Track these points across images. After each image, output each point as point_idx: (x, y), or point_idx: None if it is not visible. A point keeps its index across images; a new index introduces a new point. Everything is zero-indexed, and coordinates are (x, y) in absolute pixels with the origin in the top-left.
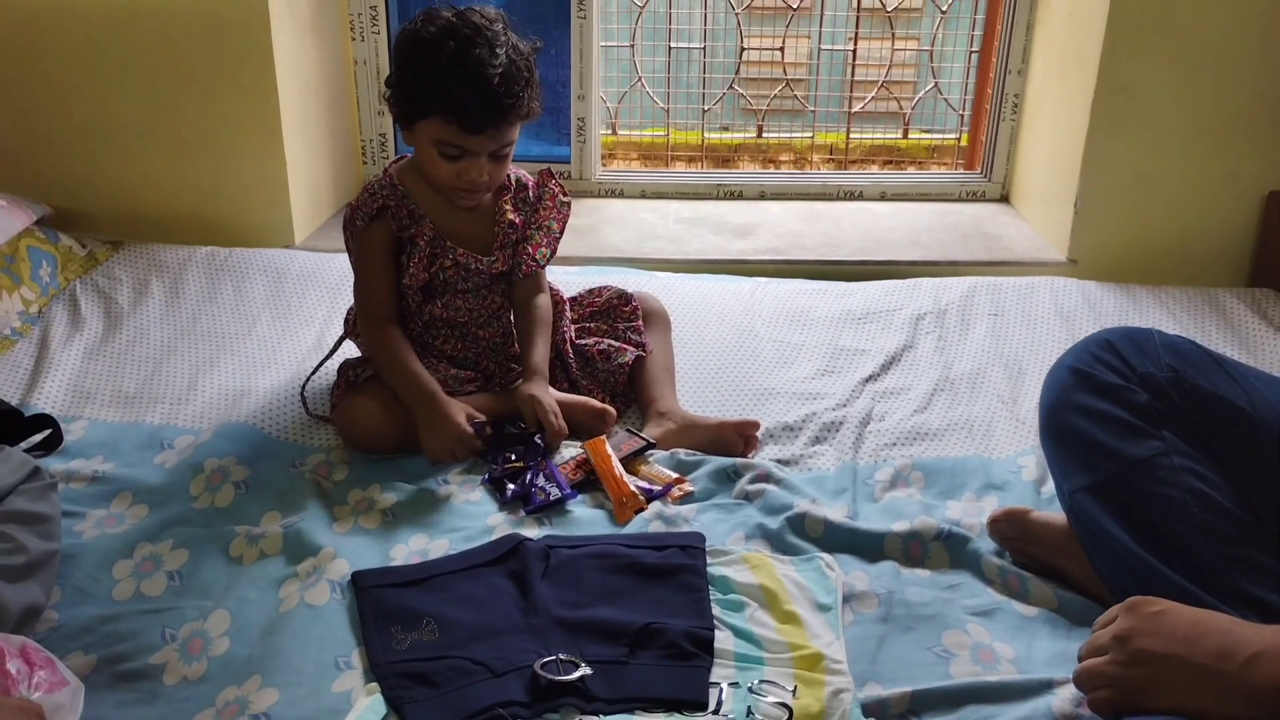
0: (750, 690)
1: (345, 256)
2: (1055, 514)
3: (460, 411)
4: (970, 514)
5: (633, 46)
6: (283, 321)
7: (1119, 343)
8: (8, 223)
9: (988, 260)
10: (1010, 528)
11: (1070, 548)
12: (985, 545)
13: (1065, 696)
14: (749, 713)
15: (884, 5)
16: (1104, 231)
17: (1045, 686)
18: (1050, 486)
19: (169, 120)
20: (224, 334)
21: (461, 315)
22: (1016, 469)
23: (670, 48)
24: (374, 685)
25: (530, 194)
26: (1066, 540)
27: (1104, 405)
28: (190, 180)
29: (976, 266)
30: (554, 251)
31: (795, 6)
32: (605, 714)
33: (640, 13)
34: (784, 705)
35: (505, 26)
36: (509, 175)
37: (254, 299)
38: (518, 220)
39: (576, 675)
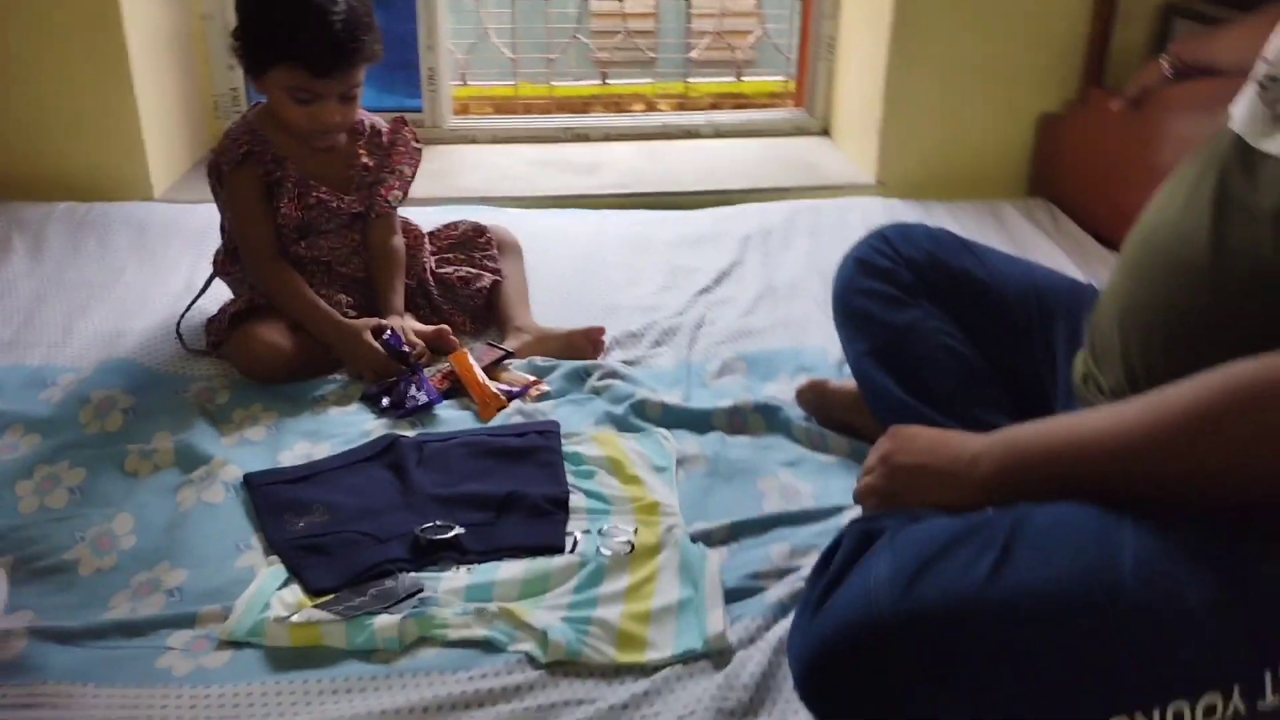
0: (600, 533)
1: (206, 207)
2: (848, 381)
3: (367, 330)
4: (784, 392)
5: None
6: (150, 270)
7: (891, 235)
8: None
9: (808, 185)
10: (813, 396)
11: (859, 407)
12: (795, 413)
13: (850, 515)
14: (598, 551)
15: None
16: (906, 156)
17: (836, 510)
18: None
19: (18, 81)
20: (92, 283)
21: (324, 254)
22: (823, 354)
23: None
24: (274, 558)
25: (384, 139)
26: (856, 401)
27: (877, 285)
28: (45, 139)
29: (798, 191)
30: (405, 194)
31: None
32: (478, 563)
33: None
34: (628, 542)
35: None
36: (364, 121)
37: (118, 250)
38: (371, 164)
39: (452, 534)
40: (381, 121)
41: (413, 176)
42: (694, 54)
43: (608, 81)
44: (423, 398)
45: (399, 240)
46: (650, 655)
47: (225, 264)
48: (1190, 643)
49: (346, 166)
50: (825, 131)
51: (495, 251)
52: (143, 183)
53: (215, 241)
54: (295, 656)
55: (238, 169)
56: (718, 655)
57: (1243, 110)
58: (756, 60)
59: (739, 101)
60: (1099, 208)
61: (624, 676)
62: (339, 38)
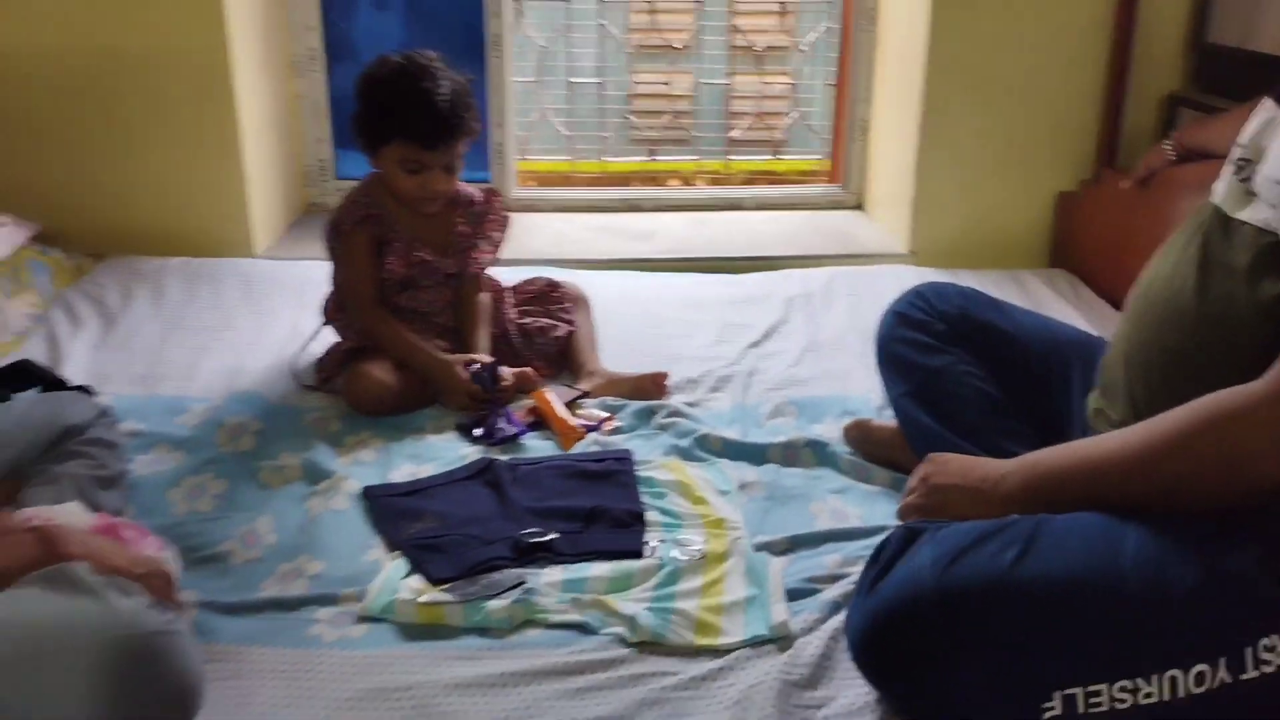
0: (675, 542)
1: (303, 263)
2: (889, 421)
3: (460, 366)
4: (831, 432)
5: (537, 82)
6: (258, 316)
7: (926, 291)
8: (11, 237)
9: (845, 254)
10: (858, 433)
11: (899, 443)
12: (841, 449)
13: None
14: (674, 556)
15: (752, 46)
16: (936, 228)
17: (882, 529)
18: (890, 409)
19: (140, 148)
20: (209, 327)
21: (423, 306)
22: (866, 400)
23: (569, 82)
24: (396, 554)
25: (477, 208)
26: (896, 438)
27: (914, 334)
28: (162, 201)
29: (836, 259)
30: (495, 257)
31: (679, 47)
32: (570, 564)
33: (542, 52)
34: (699, 550)
35: (445, 64)
36: (461, 191)
37: (229, 299)
38: (467, 230)
39: (548, 539)
40: (476, 191)
41: (502, 241)
42: (734, 134)
43: (654, 158)
44: (511, 429)
45: (485, 296)
46: (723, 640)
47: (334, 312)
48: (1181, 622)
49: (446, 232)
50: (859, 206)
51: (569, 304)
52: (245, 242)
53: (313, 293)
54: (422, 630)
55: (356, 229)
56: (781, 640)
57: (1222, 186)
58: (789, 141)
59: (774, 178)
60: (1114, 277)
61: (701, 656)
62: (444, 115)
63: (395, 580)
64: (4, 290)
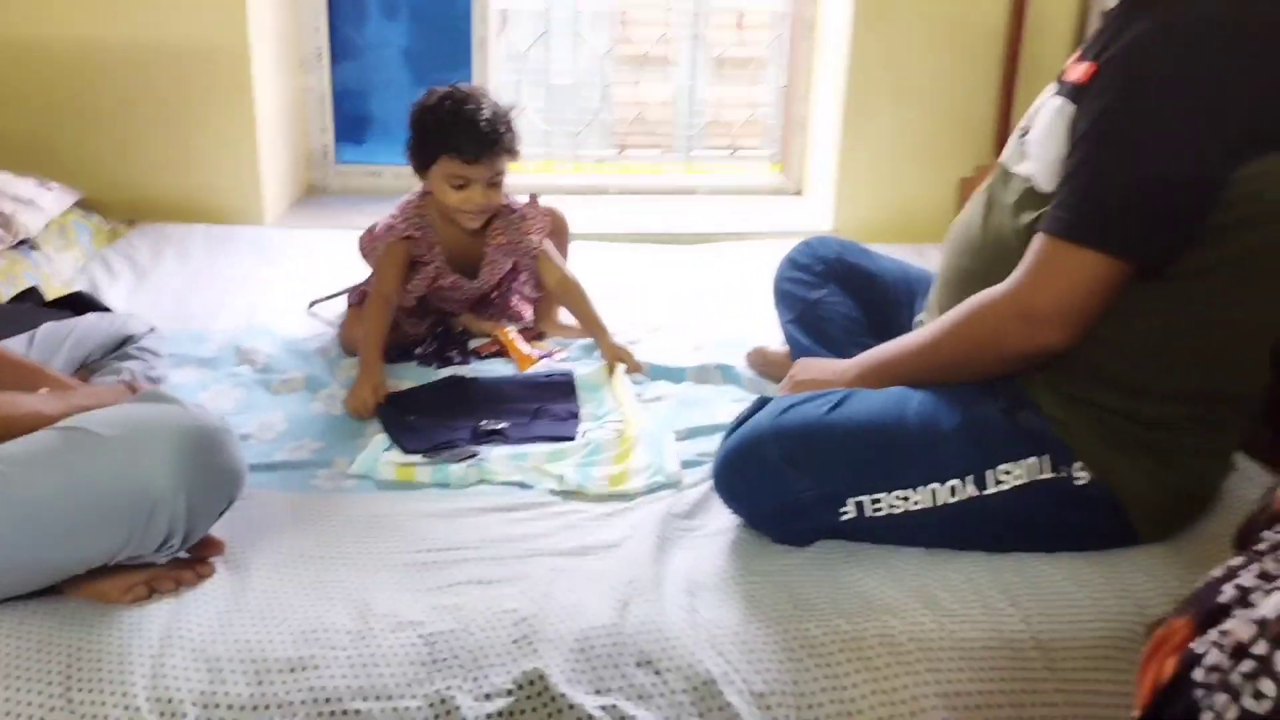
0: (599, 428)
1: (306, 230)
2: (784, 348)
3: (376, 388)
4: (740, 359)
5: (517, 83)
6: (267, 273)
7: (812, 242)
8: (61, 200)
9: (777, 232)
10: (757, 358)
11: (790, 364)
12: (745, 371)
13: None
14: (596, 437)
15: (717, 55)
16: (857, 209)
17: None
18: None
19: (172, 129)
20: (228, 279)
21: (446, 308)
22: (772, 339)
23: (549, 85)
24: (381, 433)
25: (515, 215)
26: (788, 360)
27: (800, 274)
28: (188, 176)
29: (770, 235)
30: (537, 254)
31: (647, 55)
32: (516, 445)
33: (523, 56)
34: (616, 434)
35: (486, 93)
36: (505, 206)
37: (244, 258)
38: (504, 241)
39: (501, 426)
40: (520, 199)
41: (539, 243)
42: (693, 134)
43: (625, 152)
44: (458, 359)
45: (564, 276)
46: (630, 486)
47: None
48: (942, 450)
49: (479, 252)
50: (799, 192)
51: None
52: (257, 212)
53: (314, 257)
54: (397, 484)
55: (398, 242)
56: (675, 485)
57: (1008, 147)
58: (748, 138)
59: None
60: None
61: (612, 500)
62: (484, 131)
63: (378, 451)
64: (54, 245)
